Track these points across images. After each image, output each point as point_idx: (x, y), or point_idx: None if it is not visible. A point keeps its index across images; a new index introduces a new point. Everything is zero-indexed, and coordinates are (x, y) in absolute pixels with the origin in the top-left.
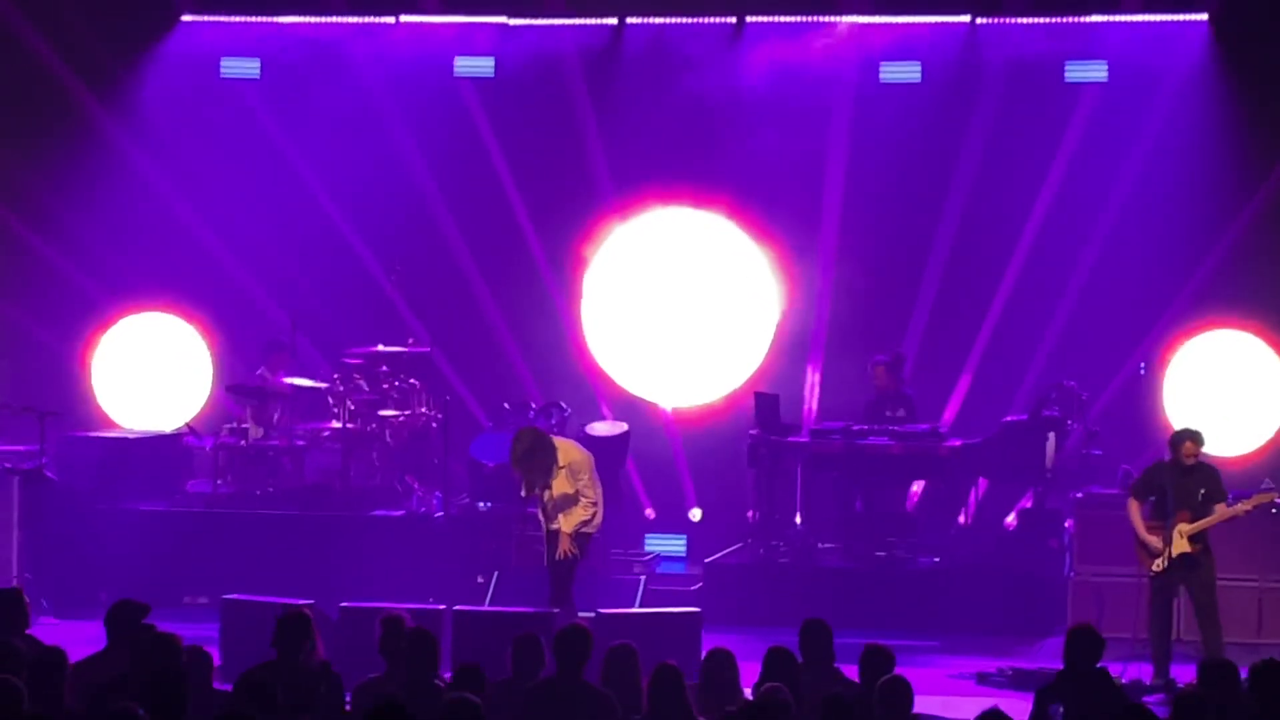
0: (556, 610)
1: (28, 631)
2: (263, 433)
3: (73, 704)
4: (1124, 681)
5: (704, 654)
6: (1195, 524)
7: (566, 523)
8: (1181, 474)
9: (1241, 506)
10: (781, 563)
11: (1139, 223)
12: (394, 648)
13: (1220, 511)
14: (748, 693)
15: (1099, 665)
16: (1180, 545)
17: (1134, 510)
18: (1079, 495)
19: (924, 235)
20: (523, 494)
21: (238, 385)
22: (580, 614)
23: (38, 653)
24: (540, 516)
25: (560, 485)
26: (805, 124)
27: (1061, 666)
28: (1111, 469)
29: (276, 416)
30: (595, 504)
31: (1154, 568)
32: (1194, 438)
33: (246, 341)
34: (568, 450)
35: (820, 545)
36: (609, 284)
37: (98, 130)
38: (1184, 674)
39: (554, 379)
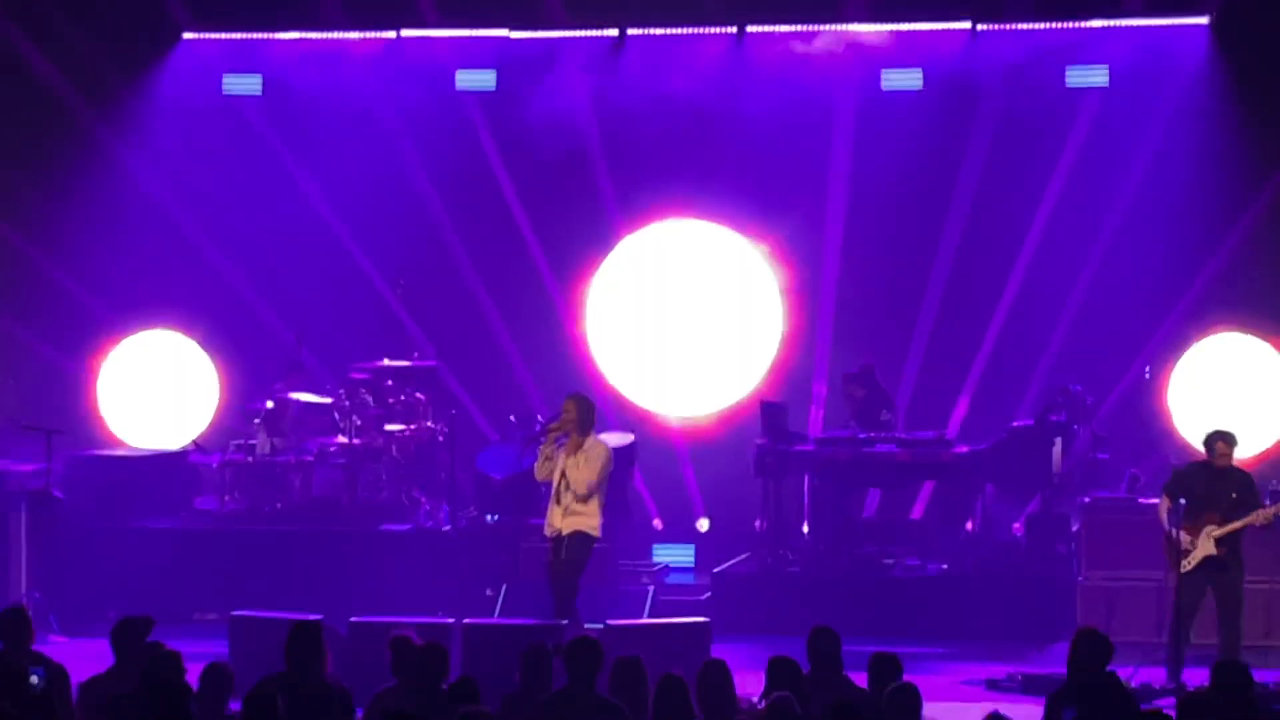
0: (565, 622)
1: (35, 648)
2: (270, 448)
3: None
4: (1134, 685)
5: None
6: (1224, 527)
7: (571, 521)
8: (1214, 476)
9: (1266, 513)
10: (789, 571)
11: (1142, 227)
12: (405, 666)
13: (1251, 516)
14: (754, 700)
15: (1108, 669)
16: (1207, 548)
17: (1164, 509)
18: (1086, 500)
19: (928, 241)
20: (537, 472)
21: (259, 410)
22: (588, 625)
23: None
24: (550, 509)
25: (577, 468)
26: (807, 133)
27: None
28: (1118, 473)
29: (286, 433)
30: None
31: (1181, 568)
32: (1226, 439)
33: (252, 358)
34: (601, 439)
35: (827, 553)
36: (613, 295)
37: (101, 148)
38: (1194, 677)
39: (560, 391)
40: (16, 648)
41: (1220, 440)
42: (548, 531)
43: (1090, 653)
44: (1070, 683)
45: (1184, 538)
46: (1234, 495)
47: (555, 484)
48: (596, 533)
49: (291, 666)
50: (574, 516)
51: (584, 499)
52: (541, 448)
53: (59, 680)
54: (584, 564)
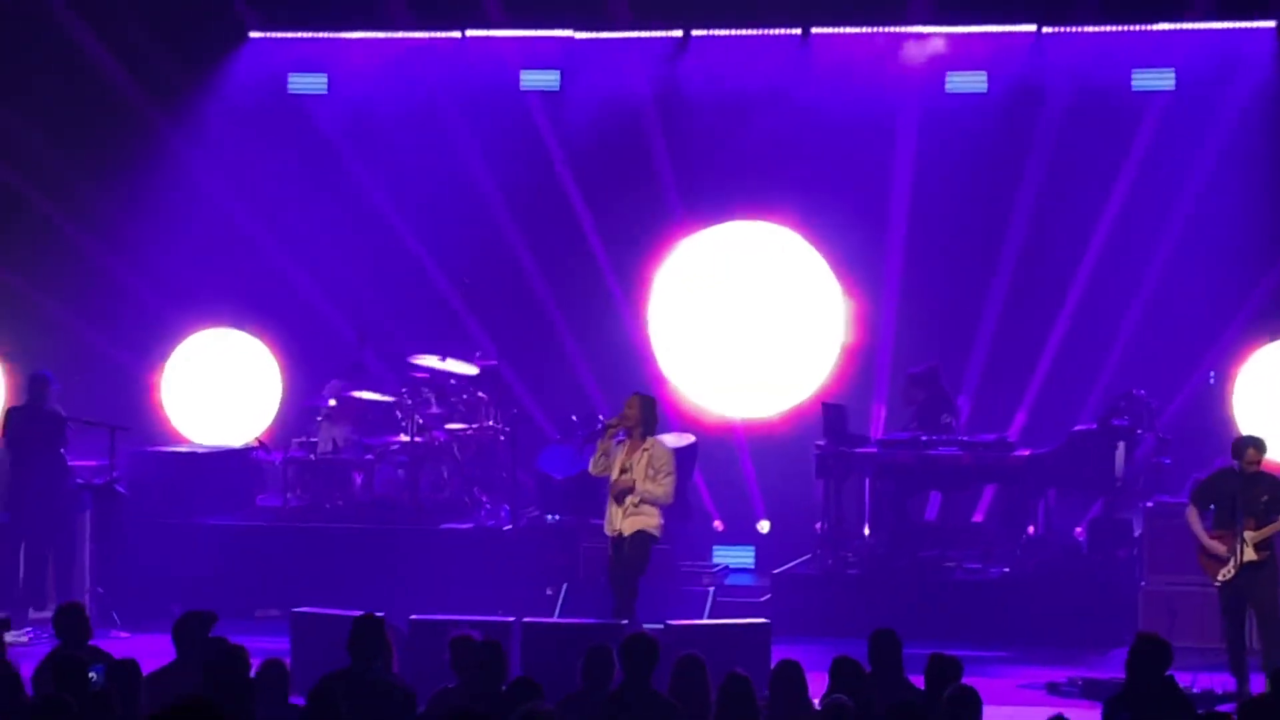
0: (624, 621)
1: (92, 643)
2: (332, 446)
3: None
4: (1196, 691)
5: (773, 666)
6: (1260, 531)
7: (634, 521)
8: (1245, 481)
9: None
10: (850, 573)
11: (1207, 230)
12: (465, 664)
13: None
14: (817, 704)
15: (1167, 674)
16: (1248, 553)
17: (1194, 518)
18: (1149, 504)
19: (991, 244)
20: (592, 466)
21: (321, 407)
22: (648, 626)
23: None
24: (610, 508)
25: (639, 469)
26: (871, 135)
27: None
28: (1181, 478)
29: (346, 431)
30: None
31: (1221, 576)
32: (1257, 444)
33: (315, 356)
34: (663, 440)
35: (888, 555)
36: (676, 296)
37: (167, 147)
38: (1253, 683)
39: (621, 391)
40: (75, 644)
41: (1251, 446)
42: (608, 530)
43: (1148, 658)
44: (1128, 687)
45: (1222, 543)
46: (1265, 499)
47: (613, 482)
48: (658, 533)
49: (355, 661)
50: (636, 517)
51: (654, 504)
52: (600, 442)
53: (128, 674)
54: (645, 564)
